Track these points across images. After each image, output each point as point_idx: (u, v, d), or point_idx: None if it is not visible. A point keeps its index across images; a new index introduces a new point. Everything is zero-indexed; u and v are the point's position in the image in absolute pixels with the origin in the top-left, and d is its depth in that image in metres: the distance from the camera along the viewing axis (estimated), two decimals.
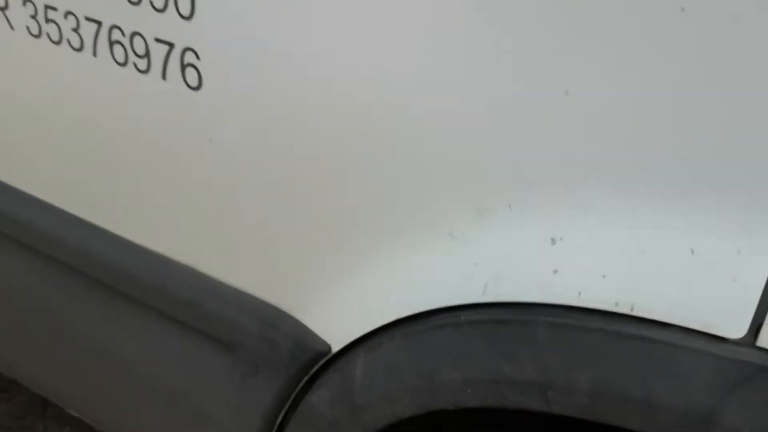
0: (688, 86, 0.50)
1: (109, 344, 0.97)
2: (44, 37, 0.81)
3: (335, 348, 0.76)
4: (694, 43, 0.49)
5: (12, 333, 1.11)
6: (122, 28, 0.74)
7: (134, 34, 0.73)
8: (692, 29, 0.49)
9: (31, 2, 0.80)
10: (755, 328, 0.52)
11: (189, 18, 0.69)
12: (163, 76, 0.74)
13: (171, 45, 0.72)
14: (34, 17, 0.80)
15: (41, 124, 0.89)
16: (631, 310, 0.55)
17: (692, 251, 0.53)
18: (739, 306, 0.52)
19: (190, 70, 0.72)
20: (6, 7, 0.82)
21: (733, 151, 0.51)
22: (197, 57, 0.71)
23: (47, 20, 0.79)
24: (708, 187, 0.52)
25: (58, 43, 0.80)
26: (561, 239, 0.58)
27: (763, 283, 0.51)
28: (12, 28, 0.83)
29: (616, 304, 0.56)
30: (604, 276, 0.56)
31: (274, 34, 0.66)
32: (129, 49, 0.75)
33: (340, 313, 0.74)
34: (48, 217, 0.93)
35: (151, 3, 0.71)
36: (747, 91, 0.49)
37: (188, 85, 0.73)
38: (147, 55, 0.74)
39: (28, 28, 0.82)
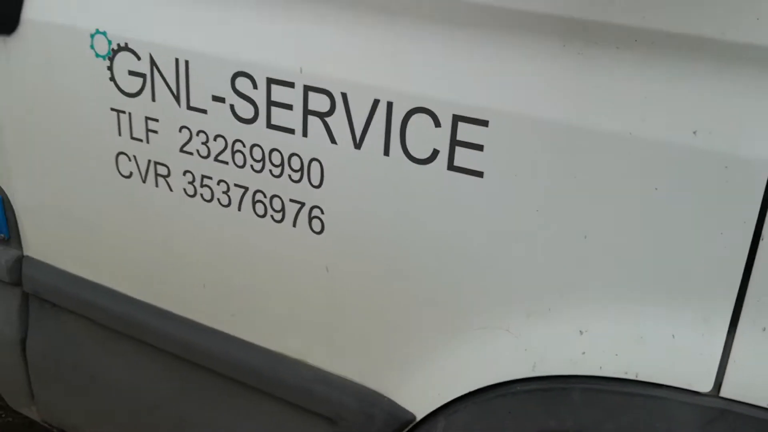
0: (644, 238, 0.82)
1: (229, 428, 1.24)
2: (198, 196, 1.12)
3: (419, 416, 1.03)
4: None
5: (141, 427, 1.37)
6: (264, 191, 1.05)
7: (274, 196, 1.05)
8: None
9: (190, 173, 1.11)
10: (718, 384, 0.81)
11: (318, 186, 1.01)
12: (294, 225, 1.05)
13: (302, 204, 1.03)
14: (191, 183, 1.12)
15: (184, 257, 1.19)
16: (636, 376, 0.84)
17: (673, 336, 0.83)
18: (705, 371, 0.82)
19: (315, 221, 1.03)
20: (168, 174, 1.14)
21: (686, 273, 0.81)
22: (322, 212, 1.02)
23: (202, 185, 1.11)
24: (680, 294, 0.82)
25: (209, 201, 1.11)
26: (586, 331, 0.87)
27: (719, 356, 0.81)
28: (171, 189, 1.15)
29: (626, 372, 0.85)
30: (616, 354, 0.85)
31: (380, 204, 0.97)
32: (268, 206, 1.06)
33: (423, 390, 1.02)
34: (185, 329, 1.22)
35: (290, 176, 1.02)
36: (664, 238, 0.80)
37: (313, 231, 1.03)
38: (282, 210, 1.05)
39: (184, 189, 1.13)
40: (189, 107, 1.07)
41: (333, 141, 0.97)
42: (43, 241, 1.36)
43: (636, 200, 0.81)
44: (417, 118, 0.90)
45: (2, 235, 1.41)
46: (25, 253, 1.40)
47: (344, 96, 0.94)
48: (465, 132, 0.87)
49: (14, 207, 1.37)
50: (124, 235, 1.24)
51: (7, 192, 1.36)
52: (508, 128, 0.85)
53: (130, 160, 1.17)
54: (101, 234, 1.27)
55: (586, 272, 0.85)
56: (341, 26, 0.93)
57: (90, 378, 1.39)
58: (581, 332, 0.88)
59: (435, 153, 0.90)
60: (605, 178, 0.82)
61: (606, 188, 0.82)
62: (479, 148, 0.87)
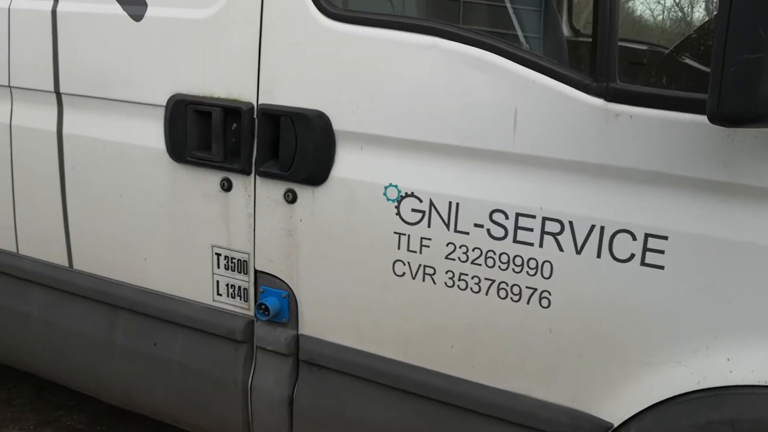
0: None
1: None
2: (455, 287, 1.75)
3: (615, 424, 1.62)
4: None
5: None
6: (507, 282, 1.69)
7: (514, 285, 1.68)
8: None
9: (451, 271, 1.75)
10: None
11: (548, 278, 1.64)
12: (528, 303, 1.67)
13: (535, 289, 1.66)
14: (451, 278, 1.75)
15: (439, 327, 1.80)
16: (766, 382, 1.45)
17: None
18: None
19: (544, 300, 1.66)
20: (434, 273, 1.77)
21: None
22: (549, 294, 1.65)
23: (459, 279, 1.74)
24: None
25: (463, 289, 1.74)
26: (731, 359, 1.48)
27: None
28: (434, 282, 1.78)
29: (758, 381, 1.46)
30: (752, 371, 1.46)
31: (595, 287, 1.61)
32: (509, 291, 1.69)
33: (617, 406, 1.62)
34: (437, 379, 1.81)
35: (527, 272, 1.66)
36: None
37: (541, 306, 1.66)
38: (519, 294, 1.68)
39: (445, 282, 1.76)
40: (456, 230, 1.73)
41: (560, 249, 1.62)
42: (318, 322, 1.97)
43: None
44: (621, 236, 1.55)
45: (284, 320, 2.02)
46: (301, 332, 2.01)
47: (571, 223, 1.60)
48: (653, 242, 1.52)
49: (298, 300, 1.99)
50: (387, 315, 1.86)
51: (294, 289, 1.99)
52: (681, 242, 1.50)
53: (404, 264, 1.81)
54: (372, 314, 1.88)
55: (731, 323, 1.48)
56: (570, 185, 1.60)
57: (349, 422, 1.96)
58: (728, 360, 1.49)
59: (632, 255, 1.55)
60: None
61: None
62: (662, 252, 1.52)
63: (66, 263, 2.39)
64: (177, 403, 2.26)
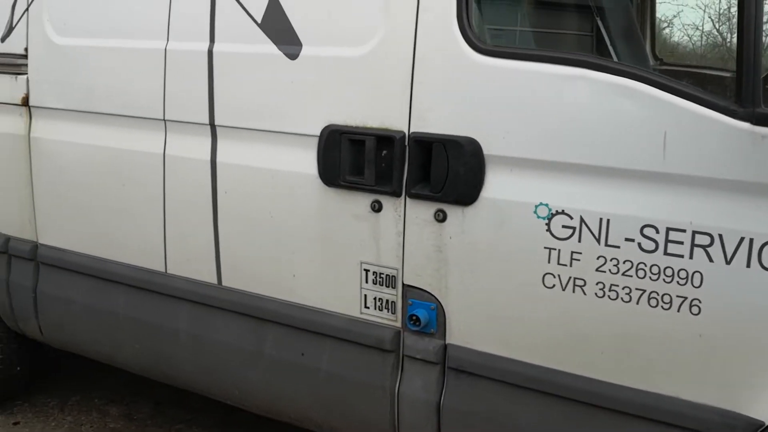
0: None
1: None
2: (605, 297, 1.90)
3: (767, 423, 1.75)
4: None
5: None
6: (658, 291, 1.83)
7: (665, 294, 1.83)
8: None
9: (602, 283, 1.90)
10: None
11: (698, 287, 1.79)
12: (678, 311, 1.82)
13: (685, 297, 1.81)
14: (602, 289, 1.90)
15: (587, 336, 1.95)
16: None
17: None
18: None
19: (694, 308, 1.80)
20: (585, 285, 1.93)
21: None
22: (700, 302, 1.79)
23: (610, 290, 1.89)
24: None
25: (614, 299, 1.89)
26: None
27: None
28: (584, 293, 1.93)
29: None
30: None
31: (747, 294, 1.75)
32: (660, 300, 1.83)
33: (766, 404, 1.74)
34: (585, 383, 1.96)
35: (677, 282, 1.81)
36: None
37: (692, 313, 1.81)
38: (670, 302, 1.82)
39: (595, 293, 1.91)
40: (606, 245, 1.88)
41: (710, 260, 1.76)
42: (466, 332, 2.14)
43: None
44: None
45: (432, 330, 2.19)
46: (449, 341, 2.18)
47: (720, 236, 1.74)
48: None
49: (446, 311, 2.16)
50: (535, 324, 2.01)
51: (442, 302, 2.16)
52: None
53: (554, 277, 1.97)
54: (520, 324, 2.04)
55: None
56: (719, 200, 1.75)
57: (497, 425, 2.12)
58: None
59: None
60: None
61: None
62: None
63: (215, 281, 2.60)
64: (323, 408, 2.44)
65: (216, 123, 2.49)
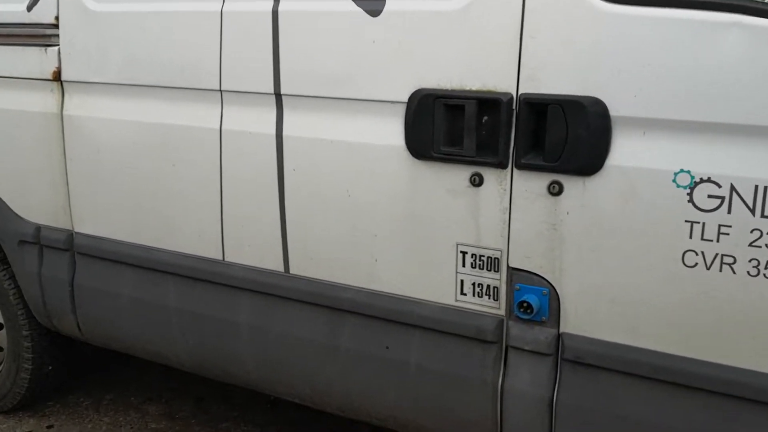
0: None
1: None
2: (760, 276, 1.66)
3: None
4: None
5: None
6: None
7: None
8: None
9: (756, 260, 1.66)
10: None
11: None
12: None
13: None
14: (756, 267, 1.66)
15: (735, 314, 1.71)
16: None
17: None
18: None
19: None
20: (734, 262, 1.69)
21: None
22: None
23: (766, 267, 1.65)
24: None
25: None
26: None
27: None
28: (734, 272, 1.69)
29: None
30: None
31: None
32: None
33: None
34: (725, 372, 1.73)
35: None
36: None
37: None
38: None
39: (747, 272, 1.67)
40: (763, 216, 1.64)
41: None
42: (585, 319, 1.90)
43: None
44: None
45: (543, 317, 1.95)
46: (563, 330, 1.93)
47: None
48: None
49: (560, 296, 1.91)
50: (670, 308, 1.77)
51: (555, 286, 1.91)
52: None
53: (697, 254, 1.72)
54: (651, 308, 1.80)
55: None
56: None
57: (623, 421, 1.88)
58: None
59: None
60: None
61: None
62: None
63: (281, 268, 2.34)
64: (411, 406, 2.20)
65: (282, 92, 2.22)
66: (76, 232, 2.79)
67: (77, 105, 2.67)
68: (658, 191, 1.74)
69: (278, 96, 2.24)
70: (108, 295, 2.76)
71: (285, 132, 2.24)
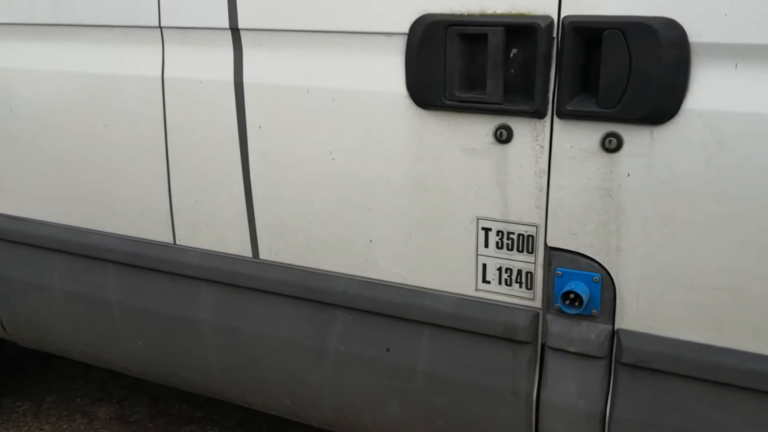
0: None
1: None
2: None
3: None
4: None
5: None
6: None
7: None
8: None
9: None
10: None
11: None
12: None
13: None
14: None
15: None
16: None
17: None
18: None
19: None
20: None
21: None
22: None
23: None
24: None
25: None
26: None
27: None
28: None
29: None
30: None
31: None
32: None
33: None
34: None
35: None
36: None
37: None
38: None
39: None
40: None
41: None
42: (649, 313, 1.46)
43: None
44: None
45: (594, 311, 1.50)
46: (620, 326, 1.50)
47: None
48: None
49: (616, 284, 1.47)
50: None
51: (610, 270, 1.47)
52: None
53: None
54: (746, 297, 1.36)
55: None
56: None
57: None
58: None
59: None
60: None
61: None
62: None
63: (249, 253, 1.86)
64: (419, 420, 1.76)
65: (240, 26, 1.71)
66: None
67: None
68: (756, 142, 1.29)
69: (235, 31, 1.72)
70: (36, 287, 2.25)
71: (246, 78, 1.73)
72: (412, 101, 1.55)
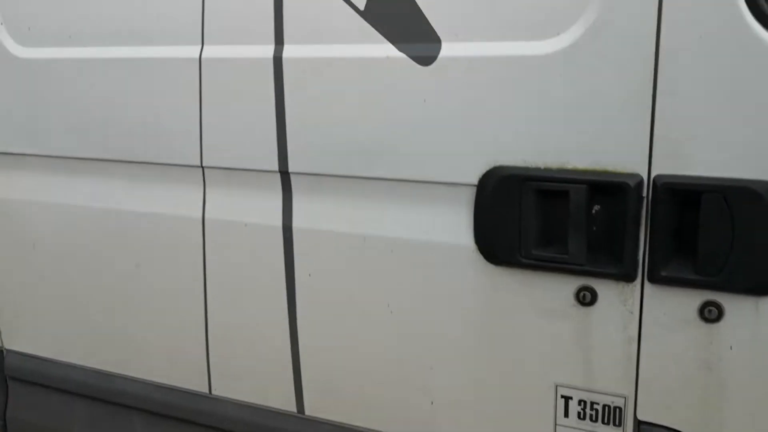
0: None
1: None
2: None
3: None
4: None
5: None
6: None
7: None
8: None
9: None
10: None
11: None
12: None
13: None
14: None
15: None
16: None
17: None
18: None
19: None
20: None
21: None
22: None
23: None
24: None
25: None
26: None
27: None
28: None
29: None
30: None
31: None
32: None
33: None
34: None
35: None
36: None
37: None
38: None
39: None
40: None
41: None
42: None
43: None
44: None
45: None
46: None
47: None
48: None
49: None
50: None
51: None
52: None
53: None
54: None
55: None
56: None
57: None
58: None
59: None
60: None
61: None
62: None
63: (293, 408, 1.70)
64: None
65: (291, 170, 1.60)
66: (6, 350, 2.11)
67: (1, 184, 2.00)
68: None
69: (285, 174, 1.61)
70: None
71: (296, 223, 1.62)
72: (481, 256, 1.43)
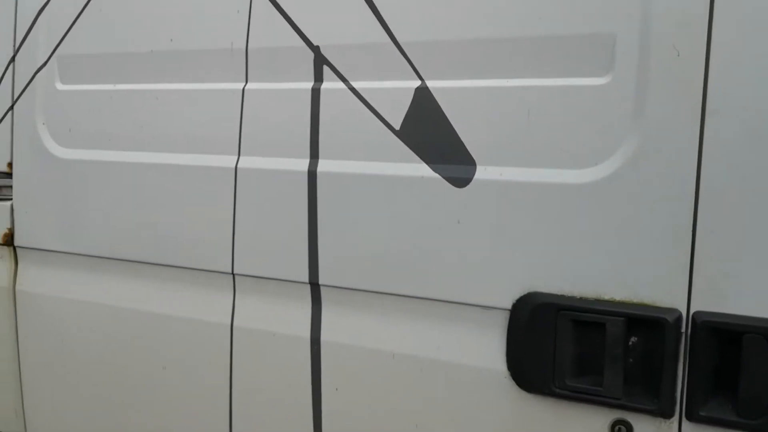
0: None
1: None
2: None
3: None
4: None
5: None
6: None
7: None
8: None
9: None
10: None
11: None
12: None
13: None
14: None
15: None
16: None
17: None
18: None
19: None
20: None
21: None
22: None
23: None
24: None
25: None
26: None
27: None
28: None
29: None
30: None
31: None
32: None
33: None
34: None
35: None
36: None
37: None
38: None
39: None
40: None
41: None
42: None
43: None
44: None
45: None
46: None
47: None
48: None
49: None
50: None
51: None
52: None
53: None
54: None
55: None
56: None
57: None
58: None
59: None
60: None
61: None
62: None
63: None
64: None
65: (321, 282, 1.60)
66: None
67: (34, 279, 2.02)
68: None
69: (315, 286, 1.61)
70: None
71: (324, 336, 1.60)
72: (513, 382, 1.40)
